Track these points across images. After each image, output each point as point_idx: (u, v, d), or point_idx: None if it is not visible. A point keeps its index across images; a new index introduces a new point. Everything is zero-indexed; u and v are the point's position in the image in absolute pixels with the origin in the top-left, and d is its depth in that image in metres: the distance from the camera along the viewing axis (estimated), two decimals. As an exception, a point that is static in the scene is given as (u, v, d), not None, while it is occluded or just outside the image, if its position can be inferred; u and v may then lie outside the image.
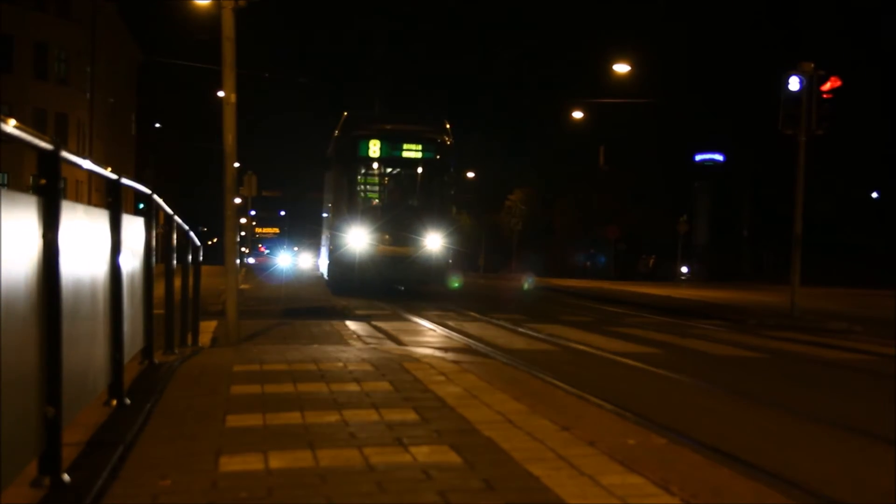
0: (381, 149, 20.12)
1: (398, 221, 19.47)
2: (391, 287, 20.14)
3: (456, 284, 22.69)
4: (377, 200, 20.69)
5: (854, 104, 32.87)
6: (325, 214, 27.98)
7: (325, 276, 23.99)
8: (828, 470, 4.59)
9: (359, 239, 19.22)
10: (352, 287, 19.40)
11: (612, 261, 43.41)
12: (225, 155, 9.81)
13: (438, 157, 20.28)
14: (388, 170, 21.22)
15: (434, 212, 19.97)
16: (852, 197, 46.02)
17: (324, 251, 25.42)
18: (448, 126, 20.59)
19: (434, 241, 19.55)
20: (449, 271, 20.29)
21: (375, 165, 20.82)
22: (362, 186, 20.97)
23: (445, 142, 20.30)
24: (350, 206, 19.93)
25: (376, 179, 21.21)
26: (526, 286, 29.45)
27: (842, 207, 44.60)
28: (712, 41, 47.29)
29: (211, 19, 13.82)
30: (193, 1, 14.82)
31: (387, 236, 19.37)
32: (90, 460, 3.60)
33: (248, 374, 6.13)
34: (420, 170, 20.71)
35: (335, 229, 19.77)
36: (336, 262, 19.78)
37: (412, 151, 20.39)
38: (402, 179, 21.33)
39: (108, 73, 48.43)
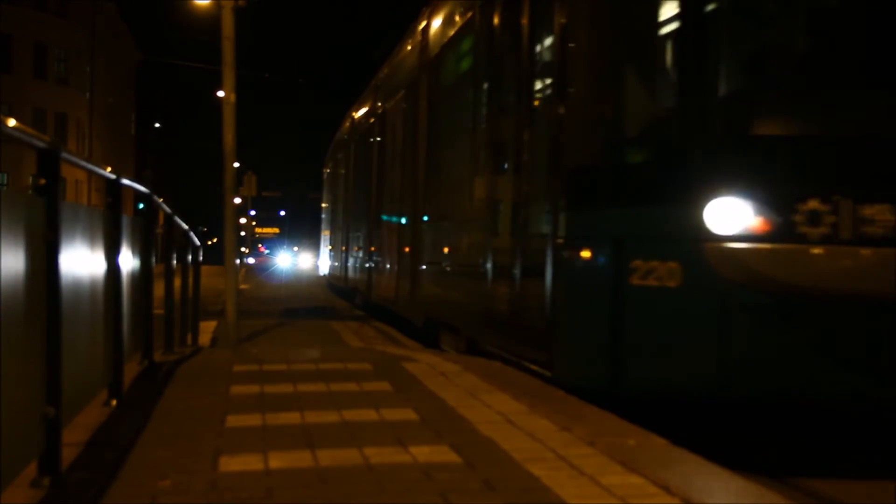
0: None
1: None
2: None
3: None
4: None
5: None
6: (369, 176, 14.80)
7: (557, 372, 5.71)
8: (828, 470, 4.58)
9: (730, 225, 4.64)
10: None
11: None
12: (225, 155, 9.82)
13: None
14: None
15: None
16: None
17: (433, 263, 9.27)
18: None
19: None
20: None
21: None
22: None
23: None
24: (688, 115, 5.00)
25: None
26: None
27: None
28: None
29: (211, 19, 13.83)
30: (193, 1, 14.84)
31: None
32: (90, 460, 3.60)
33: (248, 374, 6.12)
34: None
35: (645, 205, 5.04)
36: (631, 326, 4.99)
37: None
38: None
39: (108, 73, 48.48)
